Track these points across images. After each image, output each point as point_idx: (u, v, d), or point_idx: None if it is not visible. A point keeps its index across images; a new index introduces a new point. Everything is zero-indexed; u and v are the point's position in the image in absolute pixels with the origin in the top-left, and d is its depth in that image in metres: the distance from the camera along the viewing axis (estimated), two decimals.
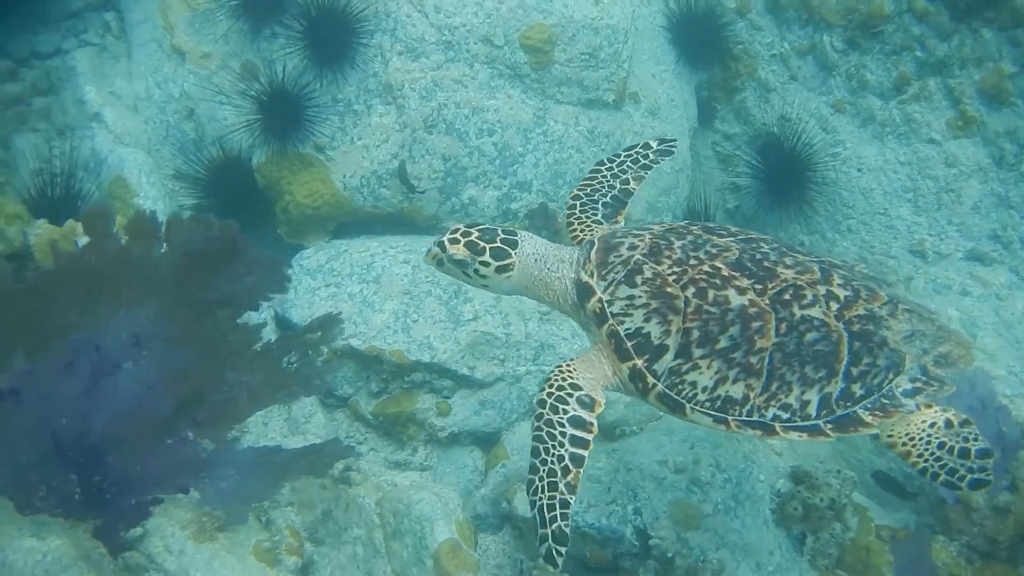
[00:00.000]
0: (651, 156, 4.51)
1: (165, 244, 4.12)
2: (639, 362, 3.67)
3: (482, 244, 3.84)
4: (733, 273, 3.68)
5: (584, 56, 6.12)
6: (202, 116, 6.30)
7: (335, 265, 5.69)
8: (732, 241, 3.85)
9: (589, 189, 4.39)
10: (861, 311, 3.69)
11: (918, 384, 3.70)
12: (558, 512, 3.45)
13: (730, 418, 3.61)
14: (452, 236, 3.84)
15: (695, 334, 3.60)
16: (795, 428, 3.60)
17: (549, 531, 3.41)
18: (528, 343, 5.47)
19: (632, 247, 3.81)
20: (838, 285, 3.74)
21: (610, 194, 4.38)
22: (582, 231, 4.23)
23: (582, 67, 6.12)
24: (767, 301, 3.62)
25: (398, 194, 5.90)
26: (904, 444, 3.68)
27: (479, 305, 5.46)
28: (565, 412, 3.66)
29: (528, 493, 3.50)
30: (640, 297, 3.70)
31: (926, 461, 3.65)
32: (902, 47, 6.29)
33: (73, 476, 3.84)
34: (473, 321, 5.40)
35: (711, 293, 3.63)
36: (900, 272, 6.29)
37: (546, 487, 3.50)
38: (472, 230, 3.87)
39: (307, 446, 4.64)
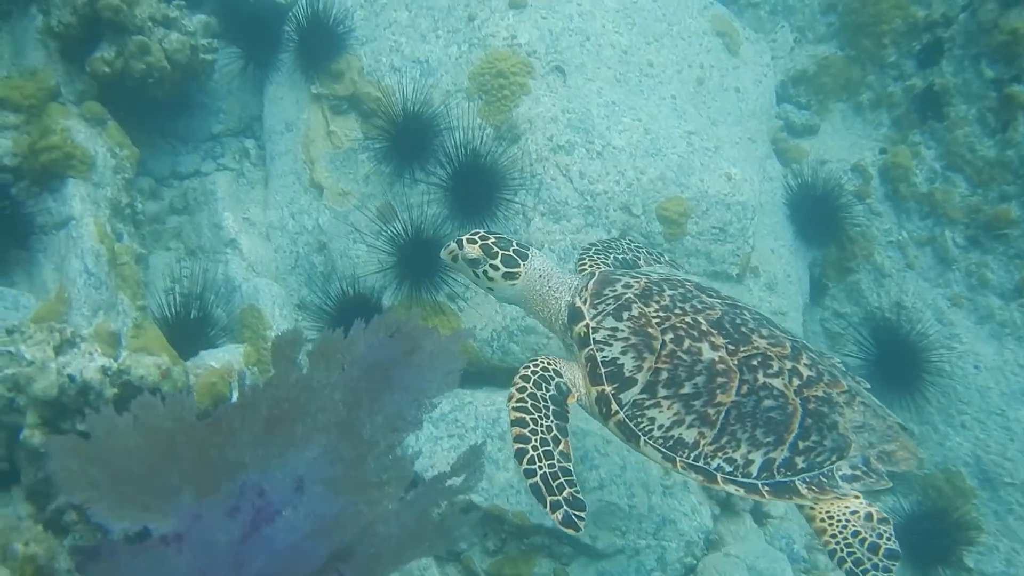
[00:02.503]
0: (666, 257, 5.11)
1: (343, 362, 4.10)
2: (608, 388, 3.95)
3: (496, 249, 4.27)
4: (711, 330, 3.98)
5: (715, 230, 6.23)
6: (334, 251, 6.41)
7: (459, 416, 5.70)
8: (718, 302, 4.16)
9: (605, 246, 4.87)
10: (820, 393, 3.95)
11: (858, 472, 3.92)
12: (563, 479, 3.69)
13: (678, 458, 3.86)
14: (470, 237, 4.29)
15: (664, 375, 3.89)
16: (735, 482, 3.84)
17: (561, 498, 3.63)
18: (650, 516, 5.43)
19: (627, 286, 4.17)
20: (804, 364, 4.01)
21: (622, 257, 4.83)
22: (590, 265, 4.67)
23: (711, 240, 6.23)
24: (736, 361, 3.91)
25: (527, 351, 5.94)
26: (822, 520, 3.85)
27: (604, 473, 5.44)
28: (547, 390, 3.95)
29: (522, 462, 3.71)
30: (622, 331, 4.01)
31: (837, 543, 3.81)
32: None
33: None
34: (599, 490, 5.37)
35: (687, 342, 3.94)
36: (1016, 476, 6.22)
37: (542, 455, 3.73)
38: (490, 236, 4.30)
39: None
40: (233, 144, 7.10)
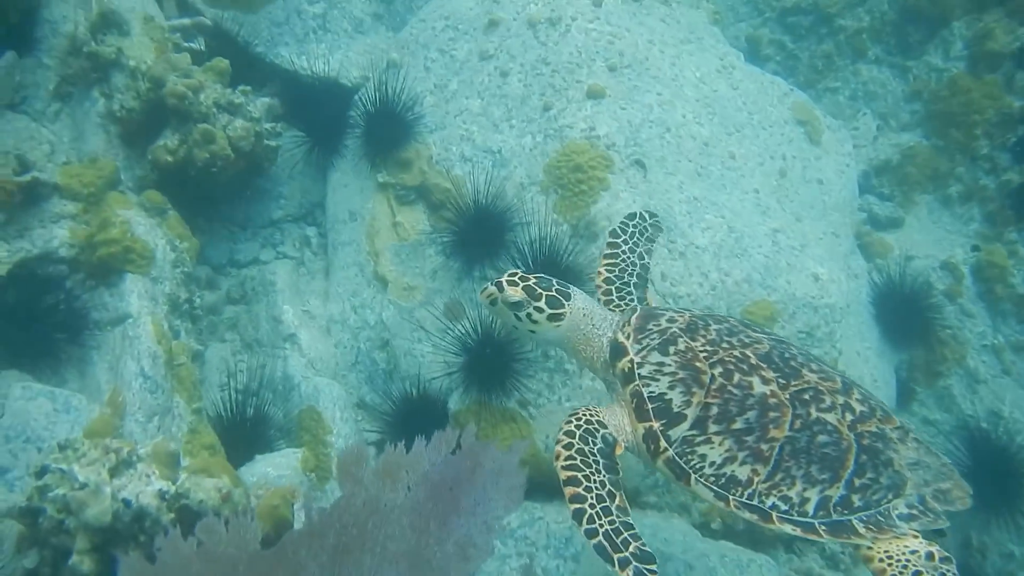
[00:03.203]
0: (649, 229, 4.87)
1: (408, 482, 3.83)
2: (656, 424, 3.82)
3: (539, 290, 4.09)
4: (761, 363, 3.88)
5: (802, 334, 5.87)
6: (397, 349, 6.09)
7: (529, 533, 5.33)
8: (764, 337, 4.09)
9: (617, 271, 4.67)
10: (874, 428, 3.85)
11: (915, 511, 3.78)
12: (626, 534, 3.52)
13: (731, 497, 3.71)
14: (511, 279, 4.10)
15: (714, 410, 3.77)
16: (791, 521, 3.68)
17: (628, 554, 3.45)
18: None
19: (671, 320, 4.08)
20: (856, 400, 3.92)
21: (635, 273, 4.67)
22: (616, 295, 4.58)
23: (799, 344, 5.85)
24: (787, 396, 3.80)
25: None
26: (881, 560, 3.69)
27: None
28: (595, 443, 3.81)
29: (582, 523, 3.53)
30: (669, 365, 3.90)
31: None
32: None
33: None
34: None
35: (737, 376, 3.83)
36: None
37: (600, 512, 3.56)
38: (530, 276, 4.12)
39: None
40: (294, 231, 6.85)
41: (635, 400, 3.91)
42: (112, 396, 4.95)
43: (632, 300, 4.55)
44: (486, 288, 4.16)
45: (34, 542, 3.84)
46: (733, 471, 3.73)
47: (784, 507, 3.71)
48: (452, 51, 6.67)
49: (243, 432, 5.60)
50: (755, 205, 6.20)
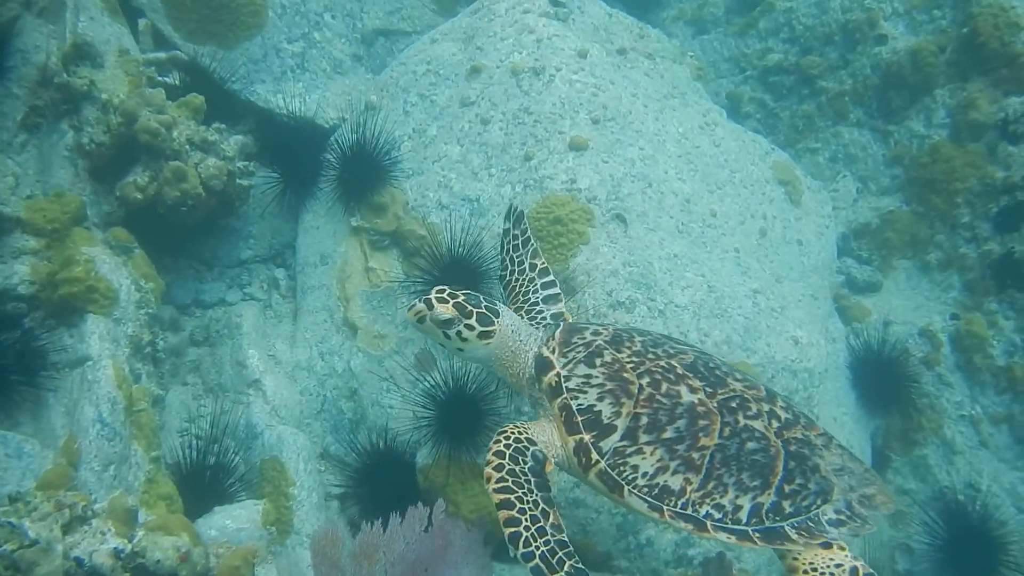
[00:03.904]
0: (519, 236, 5.02)
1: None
2: (586, 437, 3.78)
3: (469, 307, 4.05)
4: (687, 373, 3.91)
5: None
6: (365, 399, 5.90)
7: None
8: (688, 347, 4.17)
9: (521, 300, 4.79)
10: (799, 434, 3.94)
11: (842, 516, 3.83)
12: (561, 553, 3.47)
13: (665, 508, 3.68)
14: (439, 296, 4.04)
15: (644, 420, 3.75)
16: (725, 529, 3.68)
17: (564, 572, 3.42)
18: None
19: (596, 333, 4.10)
20: (780, 407, 4.01)
21: (533, 290, 4.80)
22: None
23: None
24: (715, 404, 3.82)
25: (574, 525, 5.40)
26: (805, 571, 3.73)
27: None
28: (525, 462, 3.74)
29: (519, 547, 3.47)
30: (596, 377, 3.87)
31: None
32: None
33: None
34: None
35: (665, 385, 3.83)
36: None
37: (535, 534, 3.51)
38: (459, 292, 4.09)
39: None
40: (262, 272, 6.67)
41: (564, 413, 3.87)
42: (67, 444, 4.73)
43: (544, 317, 4.61)
44: (414, 305, 4.09)
45: None
46: (666, 481, 3.71)
47: (718, 515, 3.70)
48: (433, 96, 6.57)
49: (202, 482, 5.38)
50: (735, 264, 6.11)
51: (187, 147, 5.83)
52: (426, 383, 5.58)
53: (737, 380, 4.04)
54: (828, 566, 3.72)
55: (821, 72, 7.85)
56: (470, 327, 4.07)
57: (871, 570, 3.72)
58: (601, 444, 3.78)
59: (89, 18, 6.26)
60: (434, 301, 4.05)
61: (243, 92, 6.86)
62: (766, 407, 3.98)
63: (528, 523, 3.55)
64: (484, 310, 4.11)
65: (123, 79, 6.12)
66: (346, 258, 6.28)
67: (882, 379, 6.63)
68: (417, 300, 4.10)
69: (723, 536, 3.70)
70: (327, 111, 7.00)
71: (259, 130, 6.74)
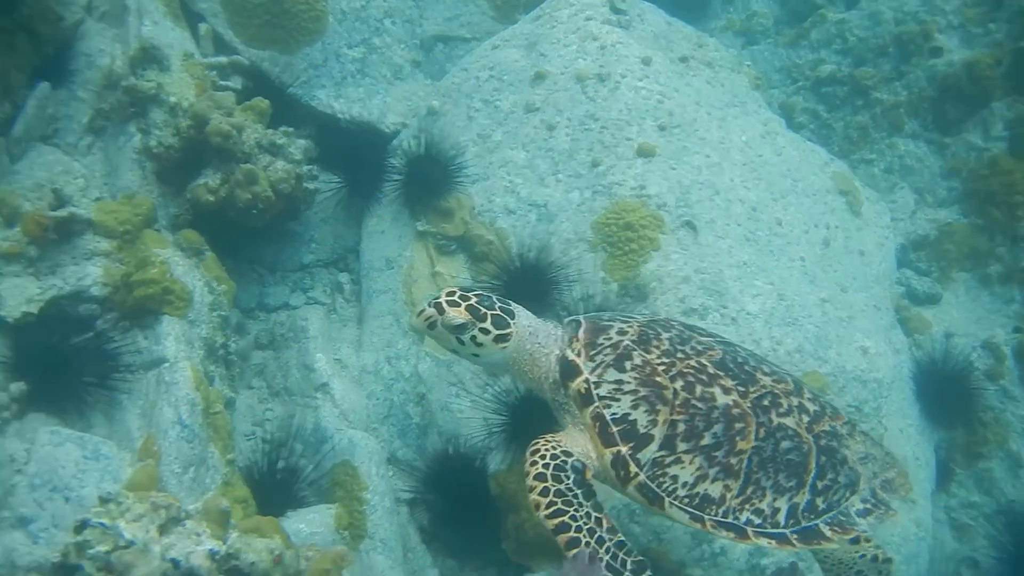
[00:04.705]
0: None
1: None
2: (624, 448, 3.62)
3: (483, 310, 3.80)
4: (718, 372, 3.76)
5: (851, 408, 5.71)
6: (433, 403, 5.86)
7: None
8: (714, 342, 3.99)
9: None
10: (827, 427, 3.86)
11: (868, 506, 3.81)
12: (620, 554, 3.45)
13: (706, 517, 3.57)
14: (450, 299, 3.80)
15: (681, 427, 3.60)
16: (765, 534, 3.59)
17: (628, 571, 3.43)
18: None
19: (621, 332, 3.86)
20: (808, 399, 3.92)
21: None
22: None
23: None
24: (749, 404, 3.70)
25: (648, 532, 5.35)
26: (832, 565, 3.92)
27: None
28: (567, 477, 3.61)
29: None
30: (629, 383, 3.69)
31: None
32: None
33: None
34: None
35: (699, 388, 3.68)
36: None
37: (596, 546, 3.47)
38: (470, 294, 3.85)
39: None
40: (324, 277, 6.64)
41: (598, 424, 3.71)
42: (146, 445, 4.69)
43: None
44: (423, 311, 3.87)
45: None
46: (706, 489, 3.60)
47: (758, 521, 3.63)
48: (496, 101, 6.55)
49: (272, 485, 5.34)
50: (803, 273, 6.08)
51: (256, 150, 5.81)
52: (496, 388, 5.55)
53: (765, 374, 3.92)
54: (853, 558, 3.84)
55: (875, 83, 7.82)
56: (485, 331, 3.83)
57: (889, 556, 3.79)
58: (639, 456, 3.63)
59: (152, 22, 6.27)
60: (445, 304, 3.83)
61: (304, 97, 6.85)
62: (795, 401, 3.87)
63: (587, 537, 3.48)
64: (499, 312, 3.87)
65: (189, 83, 6.11)
66: (412, 262, 6.25)
67: (946, 391, 6.56)
68: (426, 304, 3.89)
69: (764, 541, 3.63)
70: (388, 116, 7.00)
71: (319, 135, 6.73)
